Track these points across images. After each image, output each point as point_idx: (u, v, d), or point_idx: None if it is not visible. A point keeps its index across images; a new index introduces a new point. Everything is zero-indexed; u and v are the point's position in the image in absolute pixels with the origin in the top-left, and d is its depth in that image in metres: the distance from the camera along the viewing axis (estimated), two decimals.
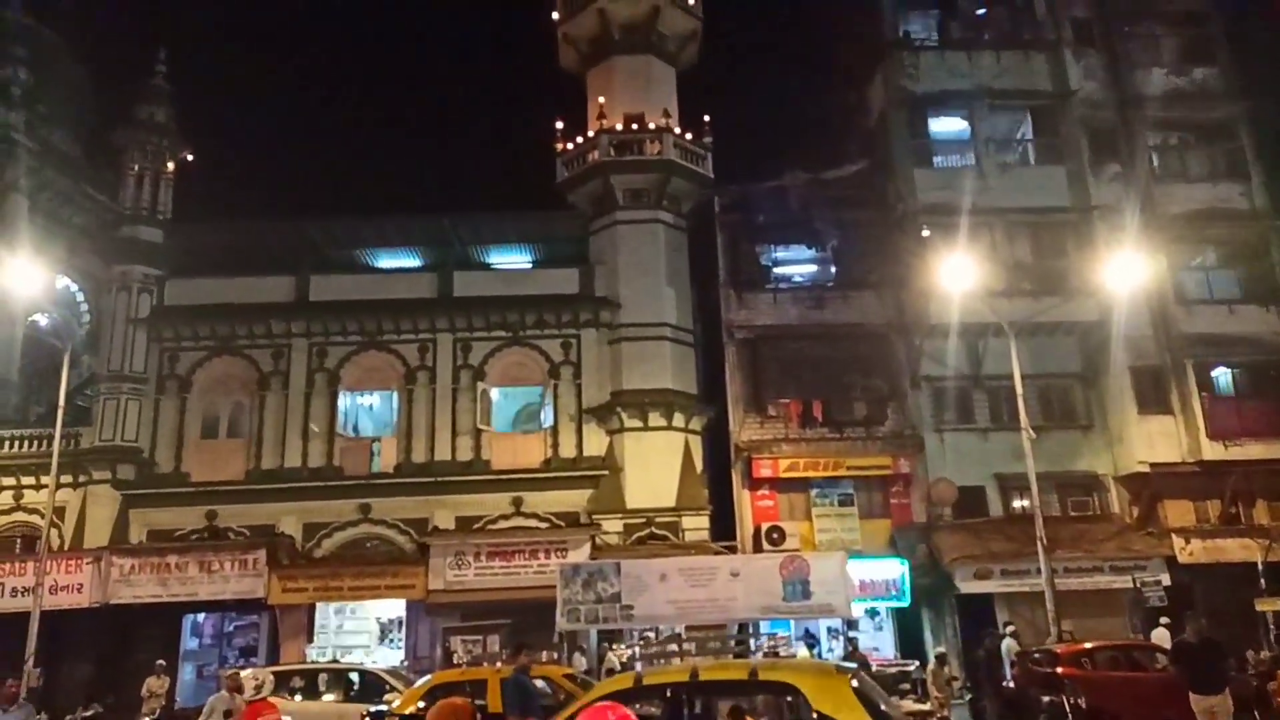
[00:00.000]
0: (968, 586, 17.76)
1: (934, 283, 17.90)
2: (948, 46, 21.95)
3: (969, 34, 22.24)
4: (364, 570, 18.63)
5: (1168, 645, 13.30)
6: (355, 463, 20.53)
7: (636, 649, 15.65)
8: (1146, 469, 19.35)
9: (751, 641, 16.16)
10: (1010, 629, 16.24)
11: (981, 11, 22.57)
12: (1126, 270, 16.88)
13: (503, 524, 19.76)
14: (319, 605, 18.89)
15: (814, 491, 19.78)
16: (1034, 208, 20.69)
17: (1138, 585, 17.10)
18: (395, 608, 19.30)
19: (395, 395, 21.12)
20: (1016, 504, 19.59)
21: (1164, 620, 15.38)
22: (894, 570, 18.67)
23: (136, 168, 21.39)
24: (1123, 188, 21.12)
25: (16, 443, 20.05)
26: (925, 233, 19.81)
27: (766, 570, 16.80)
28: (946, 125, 22.06)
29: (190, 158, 22.04)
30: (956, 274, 16.77)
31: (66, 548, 18.91)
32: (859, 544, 19.09)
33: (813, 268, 22.02)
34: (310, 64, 53.51)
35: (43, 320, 20.20)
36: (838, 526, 19.51)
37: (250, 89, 48.80)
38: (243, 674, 10.91)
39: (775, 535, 19.07)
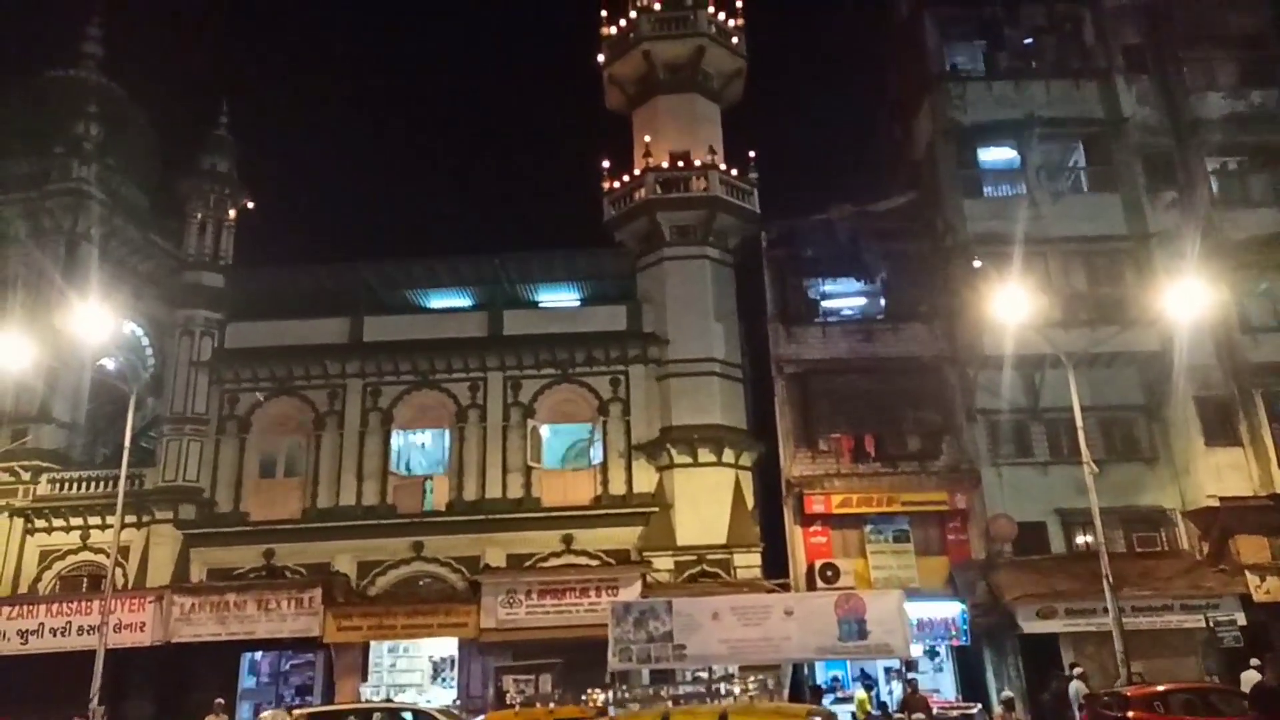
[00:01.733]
0: (1031, 626, 17.21)
1: (987, 314, 17.63)
2: (995, 77, 21.78)
3: (1016, 64, 22.08)
4: (417, 608, 18.71)
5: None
6: (408, 501, 20.73)
7: (611, 693, 15.59)
8: (1216, 503, 18.63)
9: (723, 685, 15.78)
10: (1077, 671, 15.67)
11: (1029, 41, 22.40)
12: (1188, 298, 16.40)
13: (553, 561, 19.74)
14: (373, 643, 19.03)
15: (868, 528, 19.42)
16: (1089, 236, 20.32)
17: (1211, 625, 16.40)
18: (448, 646, 19.35)
19: (447, 433, 21.34)
20: (1079, 540, 19.06)
21: (1254, 663, 14.64)
22: (953, 609, 18.19)
23: (199, 216, 22.18)
24: (1181, 214, 20.66)
25: (84, 484, 20.68)
26: (977, 263, 19.54)
27: (821, 609, 16.46)
28: (996, 155, 21.85)
29: (250, 205, 22.80)
30: (1010, 304, 16.50)
31: (130, 587, 19.35)
32: (916, 582, 18.65)
33: (862, 301, 21.81)
34: (363, 111, 55.10)
35: (110, 364, 20.90)
36: (893, 563, 19.10)
37: (306, 137, 50.40)
38: (263, 714, 10.97)
39: (829, 573, 18.74)
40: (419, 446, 22.73)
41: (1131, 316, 19.19)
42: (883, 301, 21.48)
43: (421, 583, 19.97)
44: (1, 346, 19.74)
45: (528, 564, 19.59)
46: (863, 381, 20.24)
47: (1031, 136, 21.07)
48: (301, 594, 18.43)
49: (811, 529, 19.52)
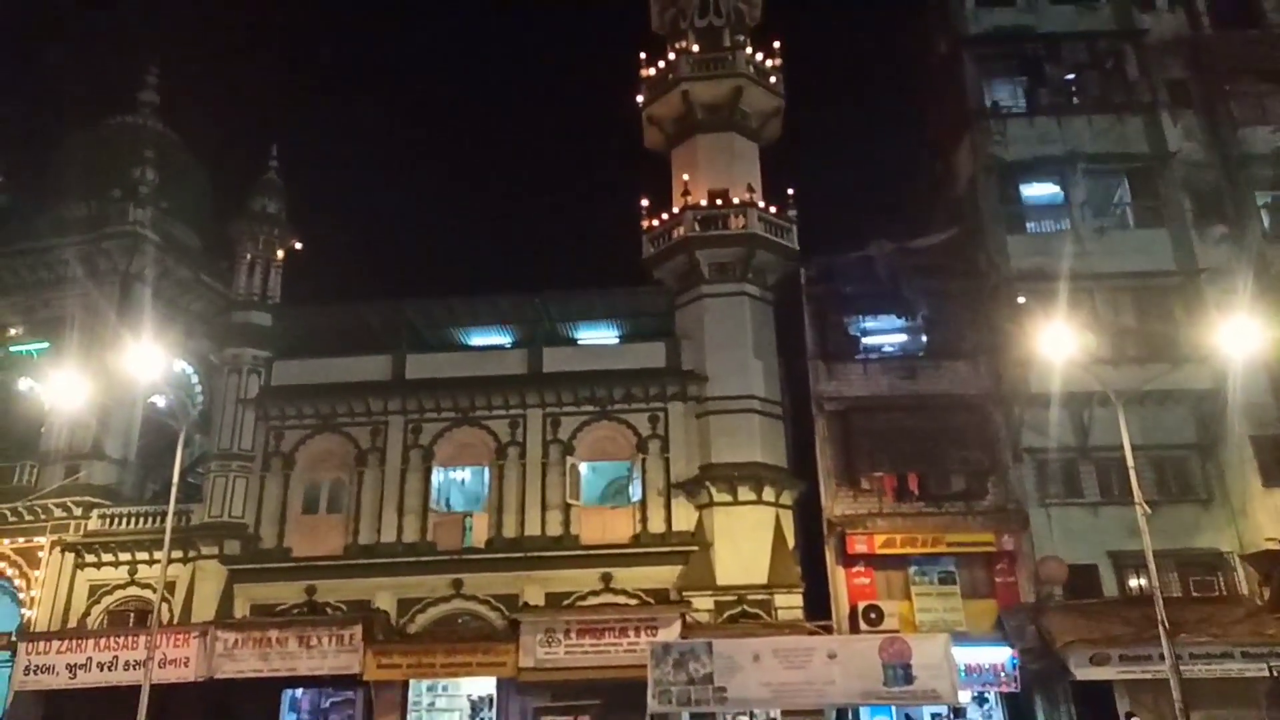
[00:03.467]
0: (1084, 673, 16.66)
1: (1033, 351, 17.37)
2: (1037, 113, 21.68)
3: (1058, 99, 21.96)
4: (456, 647, 18.67)
5: None
6: (448, 538, 20.77)
7: None
8: (1276, 546, 18.02)
9: None
10: None
11: (1070, 77, 22.32)
12: (1241, 334, 16.04)
13: (592, 600, 19.59)
14: (412, 681, 19.01)
15: (912, 569, 19.05)
16: (1136, 272, 20.01)
17: (1275, 674, 15.78)
18: (486, 685, 19.25)
19: (486, 470, 21.40)
20: (1133, 583, 18.53)
21: None
22: (1002, 654, 17.72)
23: (249, 256, 22.74)
24: (1232, 249, 20.29)
25: (133, 519, 21.04)
26: (1021, 300, 19.31)
27: (865, 652, 16.18)
28: (1039, 190, 21.68)
29: (299, 246, 23.34)
30: (1057, 341, 16.24)
31: (175, 622, 19.56)
32: (963, 625, 18.22)
33: (903, 337, 21.62)
34: (406, 151, 56.35)
35: (160, 402, 21.34)
36: (939, 606, 18.68)
37: (352, 177, 51.60)
38: None
39: (873, 615, 18.38)
40: (459, 483, 22.85)
41: (1182, 353, 18.81)
42: (924, 338, 21.28)
43: (460, 620, 19.94)
44: (58, 385, 20.43)
45: (566, 602, 19.48)
46: (905, 419, 19.99)
47: (1075, 172, 20.91)
48: (342, 631, 18.50)
49: (854, 570, 19.19)
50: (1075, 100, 22.09)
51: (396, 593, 19.95)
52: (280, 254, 23.09)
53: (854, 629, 18.32)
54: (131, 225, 22.95)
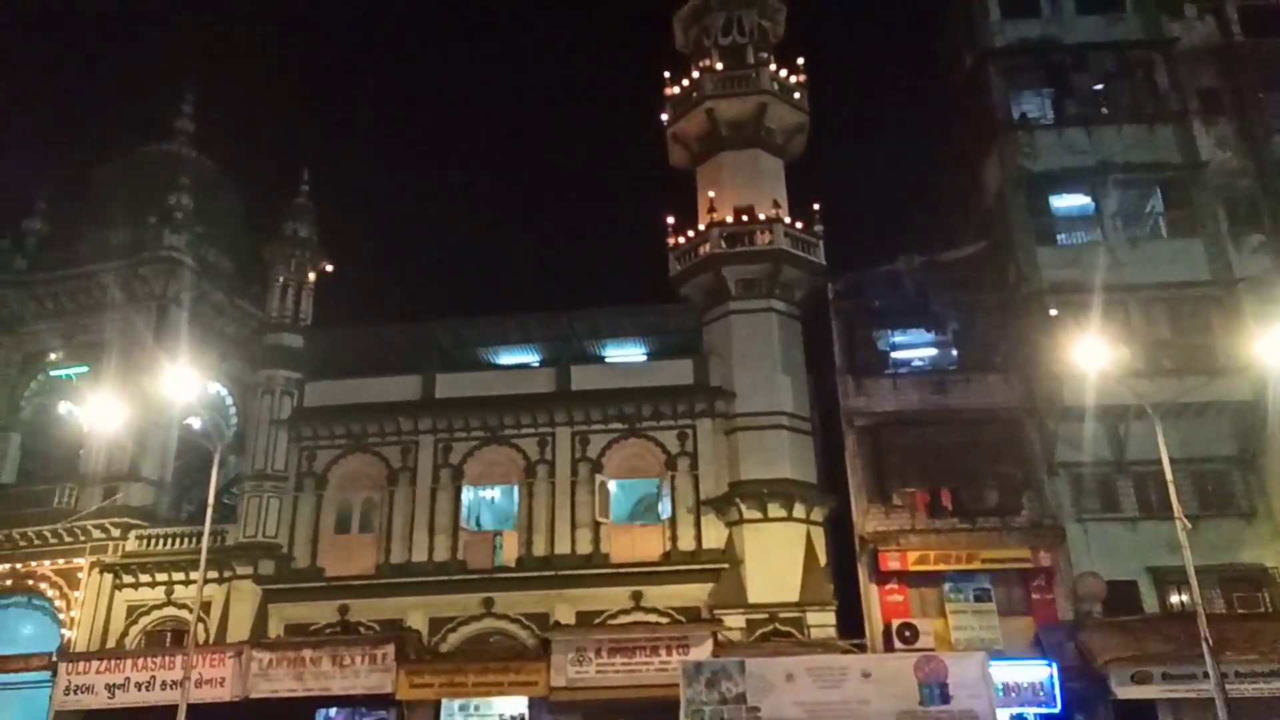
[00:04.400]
0: (1125, 691, 16.32)
1: (1066, 364, 17.18)
2: (1065, 124, 21.50)
3: (1086, 110, 21.79)
4: (488, 666, 18.66)
5: None
6: (479, 557, 20.83)
7: None
8: None
9: None
10: None
11: (1098, 87, 22.13)
12: None
13: (623, 619, 19.52)
14: (444, 701, 19.01)
15: (947, 586, 18.80)
16: (1171, 282, 19.73)
17: None
18: (518, 705, 19.17)
19: (516, 489, 21.46)
20: (1174, 600, 18.18)
21: None
22: (1041, 672, 17.39)
23: (281, 279, 23.07)
24: (1269, 258, 19.96)
25: (169, 540, 21.30)
26: (1053, 312, 19.13)
27: (900, 671, 15.96)
28: (1069, 202, 21.45)
29: (330, 268, 23.67)
30: (1090, 354, 16.03)
31: (211, 642, 19.75)
32: (1000, 643, 17.92)
33: (932, 351, 21.45)
34: (434, 172, 57.01)
35: (195, 424, 21.65)
36: (975, 624, 18.41)
37: (380, 199, 52.23)
38: None
39: (907, 633, 18.14)
40: (489, 502, 22.92)
41: (1220, 364, 18.49)
42: (954, 352, 21.10)
43: (492, 639, 19.94)
44: (96, 408, 20.80)
45: (597, 621, 19.43)
46: (936, 434, 19.80)
47: (1105, 183, 20.71)
48: (375, 650, 18.56)
49: (887, 587, 18.97)
50: (1104, 110, 21.89)
51: (428, 612, 20.01)
52: (312, 276, 23.42)
53: (888, 647, 18.10)
54: (167, 250, 23.39)
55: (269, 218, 24.54)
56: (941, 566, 18.81)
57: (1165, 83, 21.76)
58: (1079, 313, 18.54)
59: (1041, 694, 17.25)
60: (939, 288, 20.55)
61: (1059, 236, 21.19)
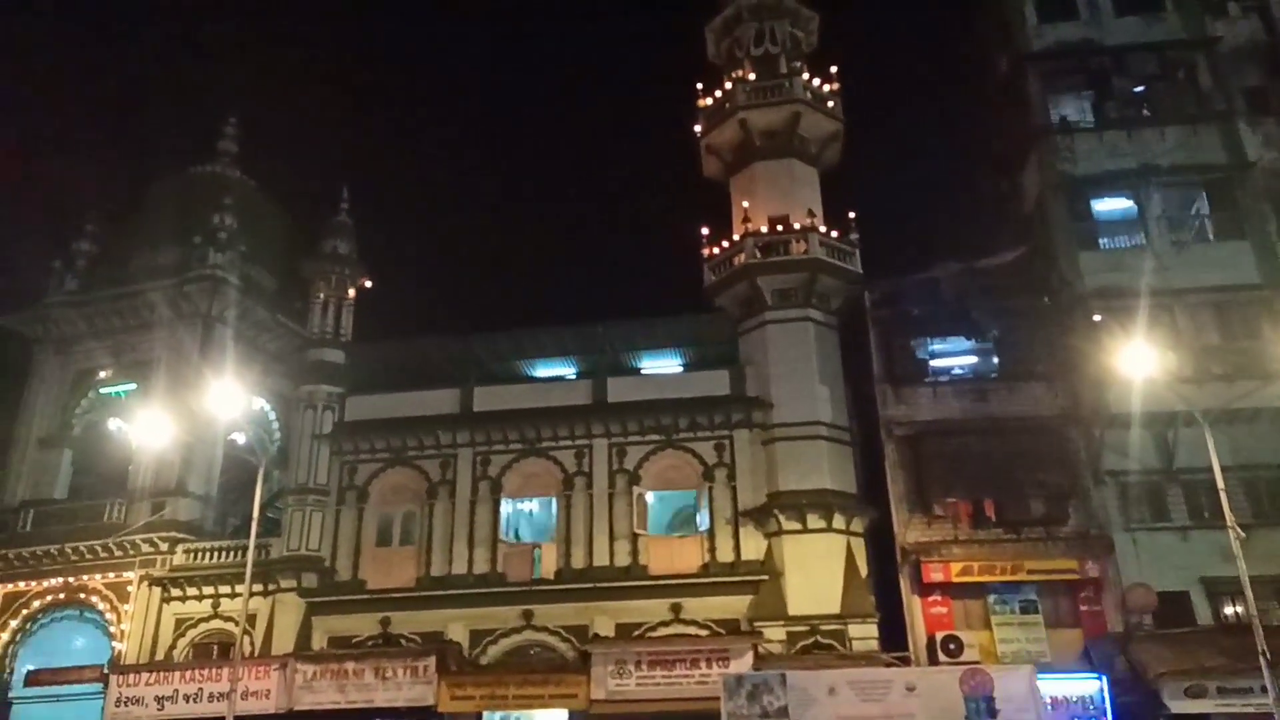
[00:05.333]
0: (1180, 706, 15.87)
1: (1111, 370, 16.84)
2: (1106, 126, 21.17)
3: (1128, 112, 21.42)
4: (528, 678, 18.73)
5: None
6: (518, 569, 20.91)
7: None
8: None
9: None
10: None
11: (1139, 89, 21.77)
12: None
13: (662, 631, 19.46)
14: (485, 713, 19.09)
15: (992, 598, 18.48)
16: (1218, 286, 19.30)
17: None
18: (559, 717, 19.21)
19: (554, 501, 21.52)
20: (1228, 611, 17.69)
21: None
22: (1090, 686, 17.02)
23: (322, 296, 23.45)
24: None
25: (215, 554, 21.67)
26: (1096, 318, 18.78)
27: (945, 685, 15.72)
28: (1111, 206, 21.11)
29: (369, 284, 24.02)
30: (1136, 360, 15.71)
31: (257, 654, 20.02)
32: (1047, 656, 17.58)
33: (973, 359, 21.16)
34: (468, 187, 57.66)
35: (239, 439, 22.01)
36: (1021, 636, 18.07)
37: (417, 215, 52.93)
38: None
39: (952, 646, 17.86)
40: (527, 514, 23.03)
41: (1272, 369, 18.01)
42: (995, 360, 20.79)
43: (532, 652, 19.98)
44: (144, 424, 21.26)
45: (636, 633, 19.39)
46: (978, 443, 19.50)
47: (1148, 185, 20.34)
48: (417, 662, 18.70)
49: (930, 599, 18.69)
50: (1146, 112, 21.53)
51: (468, 624, 20.11)
52: (351, 292, 23.78)
53: (932, 660, 17.83)
54: (212, 269, 23.90)
55: (310, 235, 25.03)
56: (986, 578, 18.50)
57: (1209, 82, 21.36)
58: (1124, 318, 18.20)
59: (1091, 708, 16.88)
60: (978, 294, 20.28)
61: (1101, 241, 20.83)
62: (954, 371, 21.12)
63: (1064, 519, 18.95)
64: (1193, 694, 15.86)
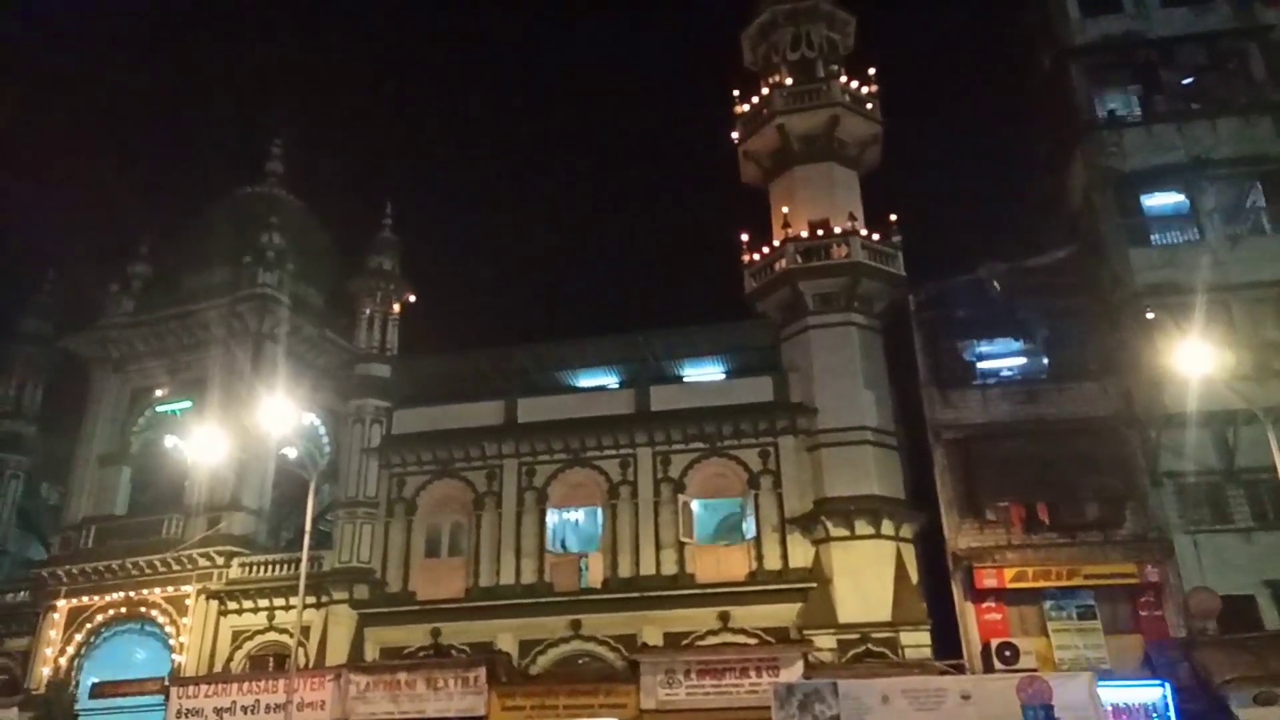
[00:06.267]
0: (1248, 713, 15.41)
1: (1166, 369, 16.47)
2: (1154, 120, 20.73)
3: (1176, 105, 20.96)
4: (577, 688, 18.76)
5: None
6: (565, 579, 20.98)
7: None
8: None
9: None
10: None
11: (1188, 81, 21.27)
12: None
13: (711, 639, 19.37)
14: None
15: (1047, 603, 18.09)
16: (1276, 280, 18.74)
17: None
18: None
19: (600, 511, 21.58)
20: None
21: None
22: (1153, 693, 16.55)
23: (368, 311, 23.84)
24: None
25: (270, 567, 22.08)
26: (1150, 315, 18.36)
27: (1002, 693, 15.41)
28: (1161, 200, 20.64)
29: (413, 299, 24.35)
30: (1192, 358, 15.35)
31: (311, 665, 20.33)
32: (1107, 663, 17.17)
33: (1021, 360, 20.76)
34: (508, 196, 58.25)
35: (291, 453, 22.38)
36: (1079, 643, 17.65)
37: (459, 228, 53.63)
38: None
39: (1007, 653, 17.50)
40: (573, 524, 23.09)
41: None
42: (1045, 360, 20.40)
43: (581, 661, 20.02)
44: (199, 441, 21.76)
45: (685, 642, 19.32)
46: (1030, 446, 19.13)
47: (1200, 179, 19.86)
48: (467, 673, 18.85)
49: (984, 605, 18.36)
50: (1195, 105, 21.03)
51: (517, 634, 20.22)
52: (396, 307, 24.13)
53: (987, 668, 17.49)
54: (261, 288, 24.42)
55: (355, 252, 25.47)
56: (1041, 583, 18.13)
57: (1261, 72, 20.81)
58: (1178, 315, 17.78)
59: (1155, 716, 16.43)
60: (1026, 295, 19.95)
61: (1152, 237, 20.36)
62: (1003, 373, 20.76)
63: (1121, 522, 18.52)
64: (1262, 701, 15.43)
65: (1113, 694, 16.21)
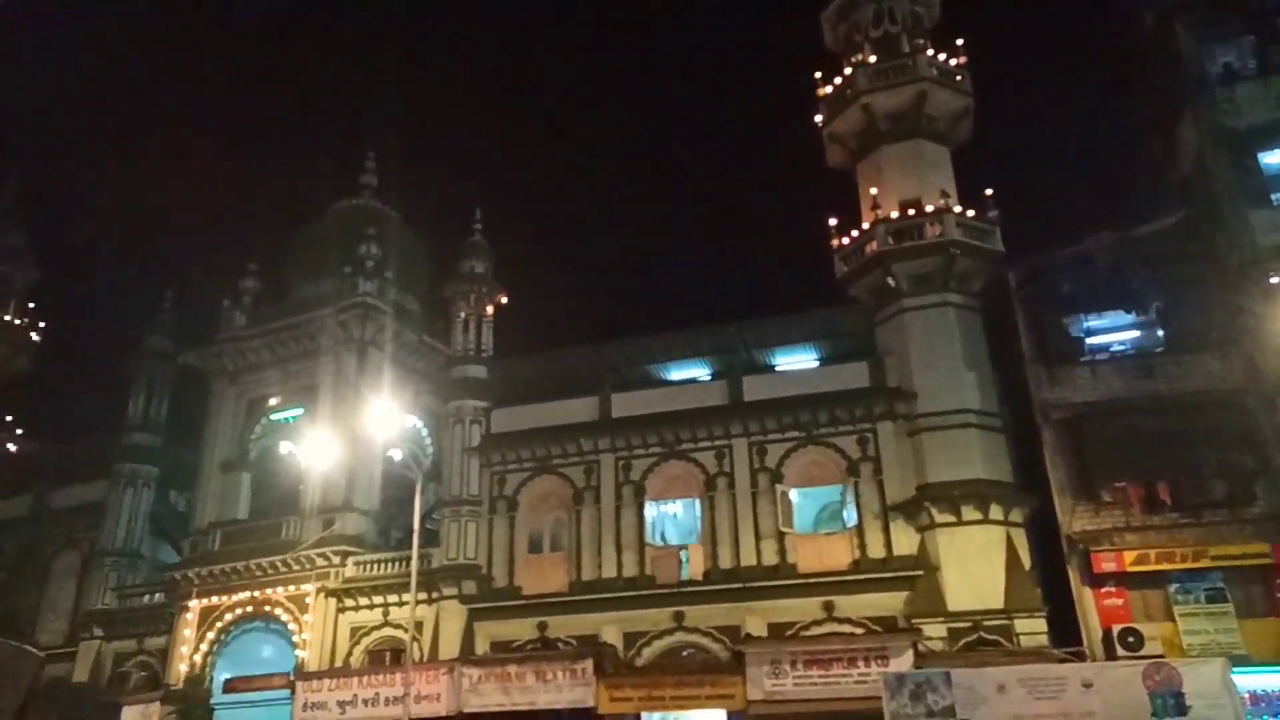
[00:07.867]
0: None
1: None
2: (1270, 72, 19.44)
3: None
4: (683, 679, 18.86)
5: None
6: (665, 571, 21.08)
7: None
8: None
9: None
10: None
11: None
12: None
13: (815, 630, 19.18)
14: (643, 714, 19.33)
15: (1173, 587, 17.25)
16: None
17: None
18: (716, 718, 19.22)
19: (698, 503, 21.61)
20: None
21: None
22: None
23: (463, 315, 24.47)
24: None
25: (382, 565, 22.93)
26: (1274, 280, 17.24)
27: (1127, 680, 14.78)
28: None
29: (505, 300, 24.88)
30: None
31: (425, 659, 20.99)
32: (1241, 648, 16.28)
33: (1134, 334, 19.81)
34: (595, 193, 58.80)
35: (396, 455, 23.13)
36: (1210, 627, 16.78)
37: (547, 229, 54.41)
38: None
39: (1130, 639, 16.78)
40: (672, 517, 23.15)
41: None
42: (1160, 333, 19.43)
43: (685, 653, 20.10)
44: (312, 446, 22.71)
45: (789, 633, 19.18)
46: (1146, 422, 18.26)
47: None
48: (574, 665, 19.16)
49: (1103, 590, 17.64)
50: None
51: (621, 626, 20.44)
52: (490, 309, 24.69)
53: (1109, 655, 16.80)
54: (362, 297, 25.36)
55: (447, 257, 26.17)
56: (1165, 566, 17.31)
57: None
58: None
59: None
60: (1136, 265, 19.03)
61: (1273, 196, 19.09)
62: (1114, 348, 19.84)
63: (1251, 499, 17.49)
64: None
65: (1249, 680, 15.34)
